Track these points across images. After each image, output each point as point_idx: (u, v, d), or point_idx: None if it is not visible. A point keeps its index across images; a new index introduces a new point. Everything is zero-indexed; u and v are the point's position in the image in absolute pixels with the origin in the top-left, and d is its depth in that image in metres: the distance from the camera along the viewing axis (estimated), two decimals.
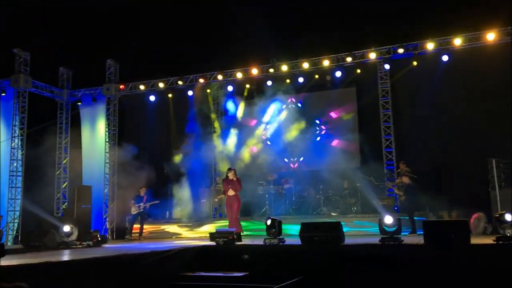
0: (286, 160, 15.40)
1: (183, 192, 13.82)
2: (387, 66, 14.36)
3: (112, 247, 8.81)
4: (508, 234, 6.32)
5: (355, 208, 12.97)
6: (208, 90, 16.06)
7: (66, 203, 16.37)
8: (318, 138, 15.28)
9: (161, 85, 16.21)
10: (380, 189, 13.23)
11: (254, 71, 15.22)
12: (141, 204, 13.36)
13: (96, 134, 16.92)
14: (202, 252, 7.43)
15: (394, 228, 6.94)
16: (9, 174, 15.18)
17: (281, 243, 7.51)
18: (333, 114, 15.25)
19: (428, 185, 12.83)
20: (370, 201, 12.63)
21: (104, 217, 15.97)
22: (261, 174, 14.62)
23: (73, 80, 17.42)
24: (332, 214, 12.95)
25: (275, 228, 7.54)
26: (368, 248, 6.82)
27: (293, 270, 6.70)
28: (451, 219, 9.92)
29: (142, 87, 16.50)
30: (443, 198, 12.73)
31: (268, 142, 15.61)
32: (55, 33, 15.77)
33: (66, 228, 8.60)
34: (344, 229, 10.74)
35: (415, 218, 11.30)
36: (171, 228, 13.80)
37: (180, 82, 15.97)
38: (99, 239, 8.92)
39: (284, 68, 14.92)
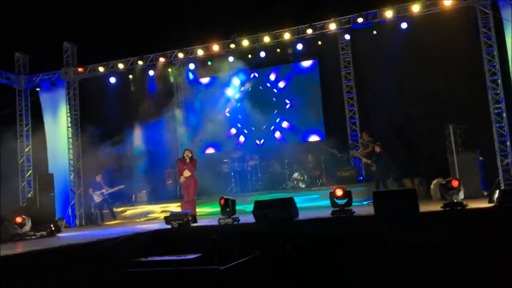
0: (249, 135, 15.26)
1: (146, 175, 13.67)
2: (347, 37, 14.26)
3: (66, 236, 8.66)
4: (455, 200, 6.36)
5: (320, 180, 12.99)
6: (169, 69, 15.69)
7: (31, 192, 16.06)
8: (280, 113, 15.12)
9: (120, 66, 15.81)
10: (344, 160, 13.26)
11: (215, 48, 14.94)
12: (103, 190, 13.19)
13: (58, 119, 16.53)
14: (156, 237, 7.34)
15: (345, 200, 6.94)
16: None
17: (235, 222, 7.46)
18: (295, 88, 15.09)
19: (391, 154, 12.99)
20: (334, 173, 12.69)
21: (71, 203, 15.75)
22: (225, 152, 14.53)
23: (30, 65, 16.93)
24: (300, 186, 12.99)
25: (229, 207, 7.48)
26: (320, 222, 6.81)
27: (246, 249, 6.65)
28: (400, 188, 9.99)
29: (101, 69, 16.07)
30: (406, 166, 12.91)
31: (230, 118, 15.46)
32: (9, 18, 15.20)
33: (18, 220, 8.41)
34: (308, 203, 10.90)
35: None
36: (141, 209, 13.70)
37: (140, 62, 15.59)
38: (53, 229, 8.75)
39: (245, 43, 14.66)
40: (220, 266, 5.67)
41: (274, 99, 15.23)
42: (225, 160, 13.98)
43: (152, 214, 13.63)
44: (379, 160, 10.92)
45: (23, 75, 16.68)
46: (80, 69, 16.18)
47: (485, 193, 9.93)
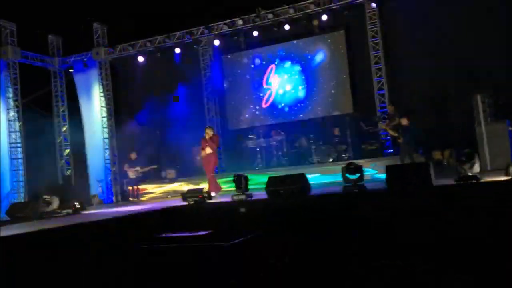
0: (278, 109, 15.20)
1: (176, 152, 13.89)
2: (374, 5, 13.81)
3: (90, 214, 8.99)
4: (470, 174, 6.16)
5: (346, 155, 12.84)
6: (195, 46, 15.74)
7: (69, 170, 16.72)
8: (306, 86, 14.93)
9: (148, 45, 16.01)
10: (371, 134, 13.02)
11: (240, 22, 14.85)
12: (138, 168, 13.54)
13: (92, 99, 16.97)
14: (172, 213, 7.51)
15: (357, 176, 6.84)
16: (9, 146, 15.40)
17: (248, 198, 7.52)
18: (323, 61, 14.83)
19: (421, 126, 12.69)
20: (360, 147, 12.51)
21: (107, 180, 16.26)
22: (251, 128, 14.56)
23: (63, 47, 17.36)
24: (327, 160, 12.89)
25: (242, 184, 7.54)
26: (331, 198, 6.77)
27: (257, 225, 6.71)
28: (413, 162, 9.70)
29: (130, 48, 16.34)
30: (437, 138, 12.56)
31: (261, 94, 15.39)
32: (40, 1, 15.58)
33: (46, 198, 8.80)
34: (334, 178, 10.78)
35: None
36: (171, 187, 13.98)
37: (167, 40, 15.74)
38: (78, 206, 9.10)
39: (270, 16, 14.52)
40: (225, 243, 5.74)
41: (300, 72, 14.98)
42: (250, 136, 14.01)
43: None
44: (405, 133, 10.63)
45: (57, 57, 17.16)
46: (109, 49, 16.46)
47: None
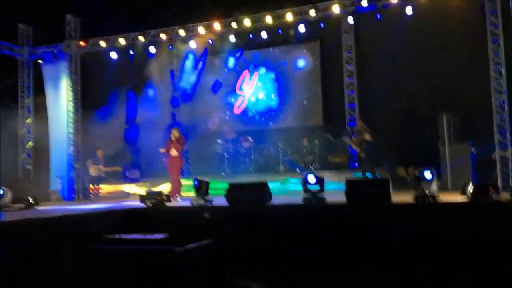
0: (249, 115, 15.11)
1: (141, 153, 13.64)
2: (350, 20, 13.91)
3: (44, 210, 8.68)
4: (428, 193, 6.16)
5: (313, 165, 12.82)
6: (170, 46, 15.53)
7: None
8: (278, 95, 14.91)
9: (122, 41, 15.72)
10: (338, 146, 13.05)
11: (217, 26, 14.73)
12: (100, 166, 13.22)
13: (59, 92, 16.55)
14: (130, 215, 7.30)
15: (318, 187, 6.79)
16: None
17: (208, 204, 7.38)
18: (297, 70, 14.84)
19: (389, 141, 12.81)
20: (327, 158, 12.53)
21: (71, 176, 15.83)
22: (219, 133, 14.43)
23: (34, 37, 16.91)
24: (293, 170, 12.86)
25: (202, 189, 7.40)
26: (289, 208, 6.70)
27: (213, 231, 6.57)
28: (374, 178, 9.73)
29: (102, 43, 16.00)
30: (403, 154, 12.66)
31: (233, 100, 15.28)
32: None
33: None
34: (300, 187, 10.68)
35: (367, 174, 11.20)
36: (128, 188, 13.69)
37: (141, 38, 15.49)
38: (32, 202, 8.79)
39: (247, 22, 14.44)
40: (177, 247, 5.60)
41: (273, 80, 14.95)
42: (218, 141, 13.88)
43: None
44: (368, 148, 10.67)
45: (26, 47, 16.68)
46: (82, 43, 16.10)
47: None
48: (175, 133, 10.27)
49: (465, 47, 12.31)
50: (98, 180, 13.35)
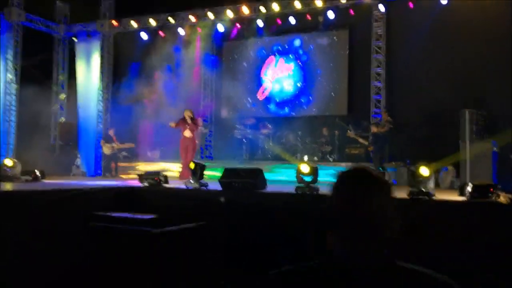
0: (272, 102, 14.93)
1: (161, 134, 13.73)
2: (381, 8, 13.44)
3: (48, 183, 8.90)
4: (424, 190, 5.87)
5: (331, 156, 12.56)
6: (199, 29, 15.51)
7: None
8: (304, 83, 14.63)
9: (152, 22, 15.85)
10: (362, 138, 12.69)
11: (245, 9, 14.60)
12: (114, 144, 13.43)
13: (91, 70, 16.87)
14: (124, 194, 7.35)
15: (311, 177, 6.60)
16: (2, 108, 15.40)
17: (202, 187, 7.34)
18: (323, 58, 14.49)
19: (414, 135, 12.41)
20: (345, 150, 12.24)
21: (99, 153, 16.17)
22: (239, 118, 14.35)
23: (70, 15, 17.29)
24: (311, 159, 12.64)
25: (197, 172, 7.36)
26: (280, 196, 6.56)
27: (203, 214, 6.53)
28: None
29: (134, 23, 16.17)
30: (427, 149, 12.19)
31: (257, 86, 15.12)
32: None
33: (8, 162, 8.75)
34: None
35: (388, 169, 10.87)
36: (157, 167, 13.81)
37: (171, 19, 15.56)
38: (38, 175, 9.03)
39: (275, 6, 14.24)
40: (154, 229, 5.58)
41: (299, 67, 14.67)
42: (237, 126, 13.81)
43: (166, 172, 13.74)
44: (377, 141, 10.32)
45: (62, 24, 17.07)
46: (114, 22, 16.34)
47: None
48: (189, 114, 10.19)
49: (496, 42, 11.68)
50: (113, 158, 13.56)
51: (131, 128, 15.11)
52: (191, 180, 7.42)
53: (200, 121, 10.48)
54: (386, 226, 1.45)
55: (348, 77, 14.07)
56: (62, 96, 17.27)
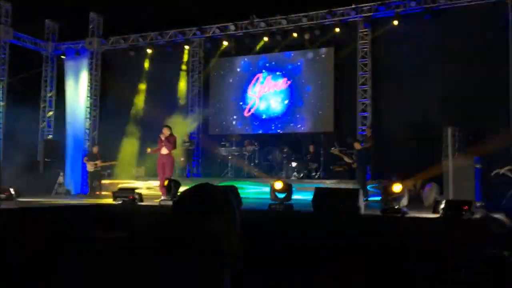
0: (258, 119, 14.88)
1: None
2: (367, 26, 13.54)
3: (22, 201, 8.77)
4: (396, 207, 5.77)
5: (317, 174, 12.47)
6: (187, 47, 15.56)
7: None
8: (291, 100, 14.61)
9: (141, 40, 15.92)
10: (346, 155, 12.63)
11: (232, 28, 14.69)
12: (97, 162, 13.35)
13: (79, 88, 16.87)
14: (98, 212, 7.25)
15: (285, 194, 6.50)
16: None
17: None
18: (310, 76, 14.51)
19: (400, 151, 12.41)
20: (331, 167, 12.16)
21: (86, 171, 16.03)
22: (225, 135, 14.30)
23: (59, 33, 17.34)
24: (295, 176, 12.56)
25: (171, 189, 7.26)
26: (252, 214, 6.45)
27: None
28: (343, 187, 9.29)
29: (123, 42, 16.24)
30: (412, 166, 12.16)
31: (243, 103, 15.09)
32: None
33: None
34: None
35: (368, 187, 10.81)
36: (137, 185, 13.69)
37: (159, 38, 15.64)
38: (12, 193, 8.90)
39: (262, 25, 14.36)
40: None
41: (286, 84, 14.66)
42: (223, 143, 13.74)
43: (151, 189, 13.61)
44: (360, 158, 10.26)
45: (51, 42, 17.10)
46: (102, 41, 16.39)
47: (478, 204, 9.07)
48: (165, 131, 10.14)
49: (483, 57, 11.75)
50: (97, 176, 13.46)
51: (117, 146, 15.04)
52: (165, 198, 7.31)
53: (175, 139, 10.33)
54: (226, 253, 1.31)
55: (334, 94, 14.06)
56: (50, 113, 17.20)
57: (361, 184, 10.34)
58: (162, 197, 7.54)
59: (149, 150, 10.33)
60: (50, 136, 17.10)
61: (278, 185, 6.48)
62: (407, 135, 12.80)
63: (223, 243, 1.30)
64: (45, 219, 6.52)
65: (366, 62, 13.65)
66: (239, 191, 7.72)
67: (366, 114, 13.50)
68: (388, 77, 13.39)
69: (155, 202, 8.13)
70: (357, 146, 10.41)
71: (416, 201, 10.22)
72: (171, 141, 10.04)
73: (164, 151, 9.99)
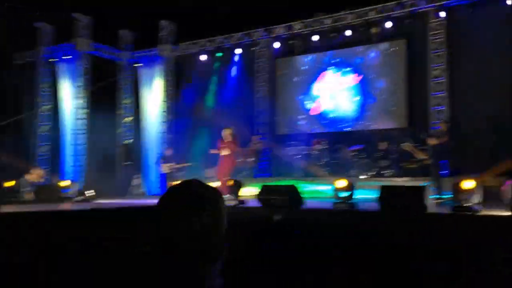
0: (326, 117, 14.65)
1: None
2: (442, 14, 12.87)
3: (100, 203, 9.23)
4: (465, 204, 5.40)
5: (389, 171, 12.04)
6: (253, 49, 15.69)
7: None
8: (362, 97, 14.23)
9: (208, 44, 16.27)
10: (419, 151, 12.08)
11: (298, 26, 14.62)
12: (173, 164, 13.75)
13: (153, 93, 17.55)
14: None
15: (348, 193, 6.31)
16: (74, 133, 16.30)
17: (240, 205, 7.26)
18: (379, 70, 14.06)
19: (480, 147, 11.70)
20: (403, 165, 11.70)
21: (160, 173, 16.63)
22: (293, 134, 14.21)
23: (133, 42, 18.13)
24: (365, 175, 12.22)
25: (235, 189, 7.30)
26: (317, 213, 6.33)
27: (239, 232, 6.45)
28: (410, 185, 8.74)
29: (193, 47, 16.69)
30: (494, 161, 11.40)
31: (310, 101, 14.93)
32: None
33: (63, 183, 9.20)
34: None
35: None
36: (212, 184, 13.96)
37: (226, 41, 15.91)
38: (92, 194, 9.38)
39: (328, 21, 14.14)
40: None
41: (355, 80, 14.32)
42: (290, 143, 13.69)
43: None
44: (434, 154, 9.72)
45: (126, 51, 17.93)
46: (175, 47, 16.95)
47: None
48: (226, 133, 10.20)
49: None
50: (172, 177, 13.85)
51: (190, 148, 15.45)
52: (229, 198, 7.39)
53: (237, 139, 10.36)
54: (212, 251, 1.25)
55: (406, 88, 13.51)
56: (128, 119, 18.02)
57: (436, 182, 9.84)
58: (226, 196, 7.63)
59: (213, 151, 10.46)
60: (128, 141, 17.92)
61: (341, 183, 6.31)
62: (485, 130, 12.02)
63: (209, 239, 1.25)
64: (112, 219, 6.81)
65: (439, 53, 12.98)
66: (305, 190, 7.65)
67: (440, 108, 12.84)
68: (464, 69, 12.64)
69: None
70: (432, 141, 9.89)
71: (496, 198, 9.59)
72: (232, 142, 10.10)
73: (225, 152, 10.07)
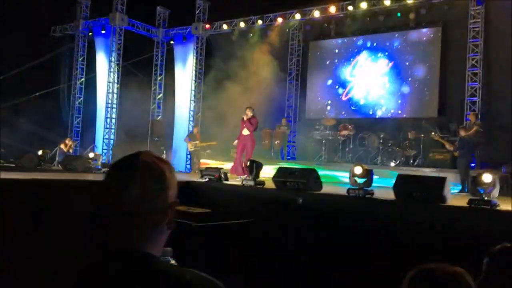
0: (356, 103, 14.45)
1: None
2: (480, 3, 12.42)
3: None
4: (486, 198, 5.28)
5: (415, 161, 11.83)
6: (287, 30, 15.55)
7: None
8: (393, 83, 13.95)
9: (242, 24, 16.20)
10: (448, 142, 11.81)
11: (332, 9, 14.36)
12: (196, 142, 13.88)
13: (186, 72, 17.69)
14: (185, 187, 7.57)
15: (364, 180, 6.25)
16: (106, 106, 16.69)
17: (258, 185, 7.30)
18: (413, 57, 13.73)
19: (508, 143, 11.32)
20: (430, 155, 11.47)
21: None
22: (320, 118, 14.06)
23: (169, 19, 18.25)
24: (391, 163, 12.04)
25: (254, 171, 7.34)
26: (331, 198, 6.30)
27: (253, 211, 6.54)
28: (428, 175, 8.51)
29: (225, 26, 16.66)
30: None
31: (342, 86, 14.74)
32: None
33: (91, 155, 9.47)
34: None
35: None
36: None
37: (259, 21, 15.79)
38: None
39: (364, 5, 13.82)
40: (193, 222, 5.67)
41: (387, 66, 14.03)
42: (317, 127, 13.56)
43: None
44: (463, 146, 9.47)
45: (161, 28, 18.08)
46: (207, 26, 16.96)
47: None
48: (248, 113, 10.19)
49: None
50: (197, 155, 14.02)
51: (218, 127, 15.51)
52: (247, 178, 7.45)
53: (256, 121, 10.30)
54: (153, 218, 1.29)
55: (440, 77, 13.17)
56: (160, 96, 18.25)
57: (463, 174, 9.63)
58: (245, 177, 7.68)
59: (235, 142, 10.45)
60: (159, 117, 18.17)
61: (358, 169, 6.26)
62: None
63: (155, 204, 1.30)
64: None
65: (477, 42, 12.56)
66: (326, 174, 7.61)
67: (475, 99, 12.47)
68: (502, 59, 12.19)
69: (238, 182, 8.30)
70: (462, 132, 9.65)
71: None
72: (253, 123, 10.08)
73: (246, 132, 10.07)
